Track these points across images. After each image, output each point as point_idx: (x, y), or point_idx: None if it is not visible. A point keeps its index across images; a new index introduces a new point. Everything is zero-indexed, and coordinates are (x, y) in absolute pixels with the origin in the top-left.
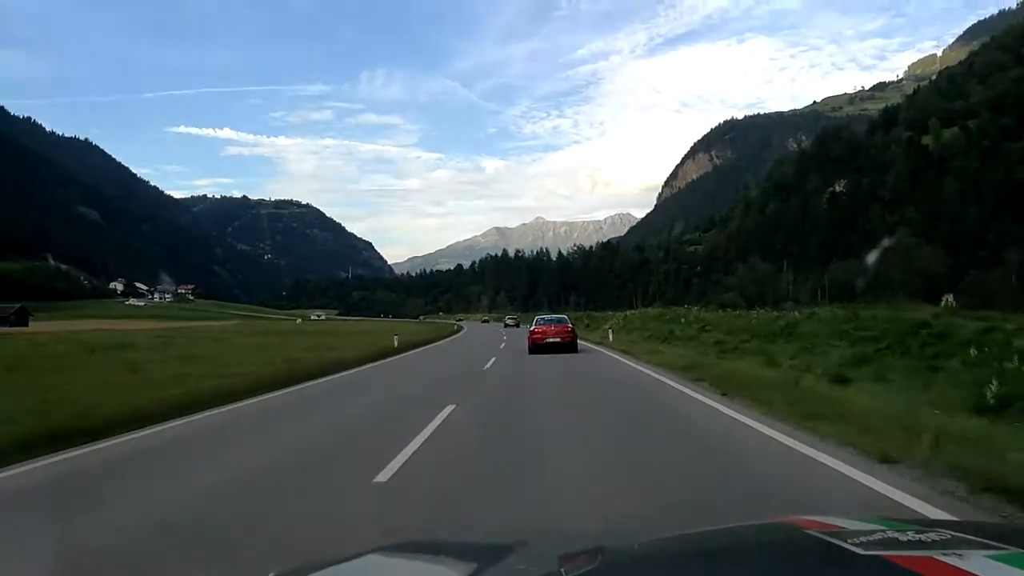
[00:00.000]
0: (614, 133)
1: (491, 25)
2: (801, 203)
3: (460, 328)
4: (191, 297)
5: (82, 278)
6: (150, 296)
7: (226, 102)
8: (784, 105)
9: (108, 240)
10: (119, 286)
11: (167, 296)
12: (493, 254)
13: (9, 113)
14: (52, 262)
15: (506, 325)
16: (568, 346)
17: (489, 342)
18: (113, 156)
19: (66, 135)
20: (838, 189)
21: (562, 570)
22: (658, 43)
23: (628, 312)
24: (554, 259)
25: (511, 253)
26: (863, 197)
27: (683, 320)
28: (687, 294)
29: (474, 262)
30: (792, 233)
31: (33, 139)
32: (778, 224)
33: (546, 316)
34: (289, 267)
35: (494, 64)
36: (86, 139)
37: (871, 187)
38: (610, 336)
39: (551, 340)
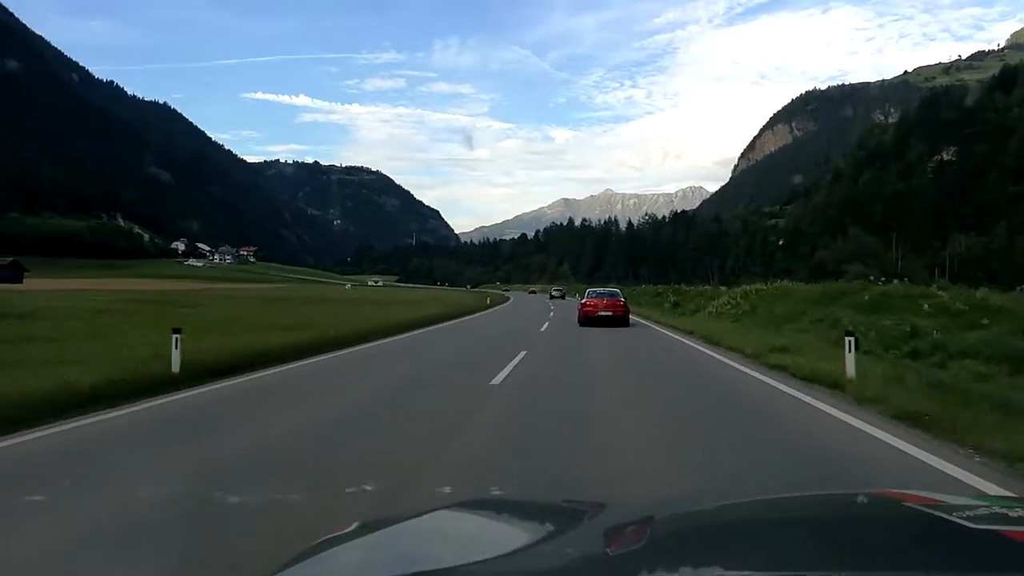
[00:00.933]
0: (688, 104)
1: None
2: (902, 172)
3: (505, 299)
4: (252, 259)
5: (145, 237)
6: (211, 257)
7: (302, 69)
8: (869, 77)
9: (178, 201)
10: (181, 246)
11: (227, 258)
12: (560, 210)
13: (93, 77)
14: (122, 221)
15: (552, 296)
16: (620, 320)
17: (524, 324)
18: (190, 120)
19: (146, 99)
20: (946, 157)
21: (614, 541)
22: (738, 12)
23: (749, 287)
24: (623, 229)
25: (578, 224)
26: (978, 166)
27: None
28: (769, 269)
29: (538, 231)
30: (892, 205)
31: (114, 102)
32: (875, 195)
33: (599, 289)
34: (357, 233)
35: (567, 33)
36: (165, 103)
37: (987, 155)
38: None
39: (603, 313)
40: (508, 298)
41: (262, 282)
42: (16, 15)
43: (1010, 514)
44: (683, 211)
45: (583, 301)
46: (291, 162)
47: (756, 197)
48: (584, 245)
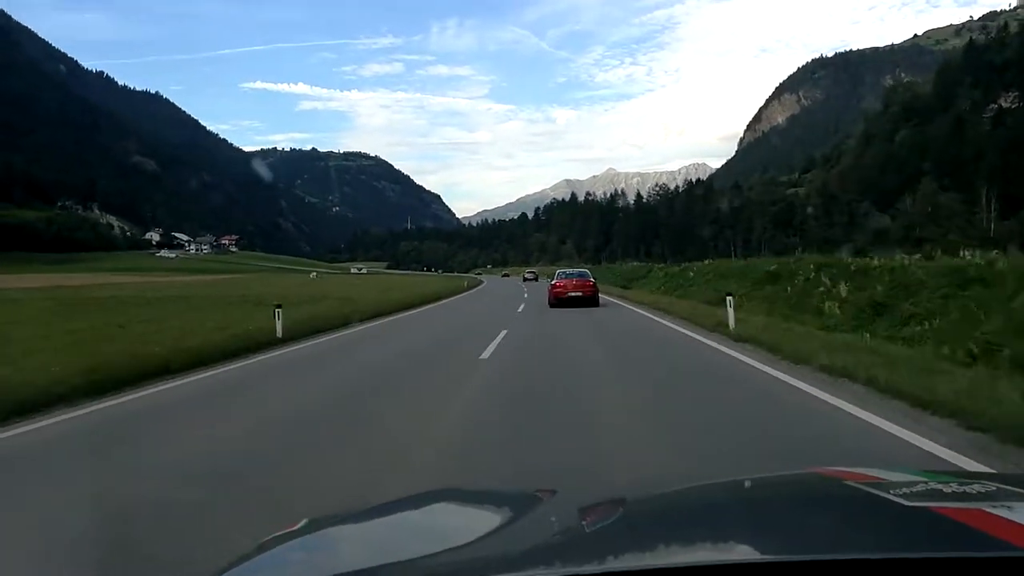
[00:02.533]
0: (690, 80)
1: None
2: (952, 125)
3: (473, 284)
4: (234, 248)
5: (116, 228)
6: (187, 247)
7: (300, 56)
8: (874, 44)
9: (163, 191)
10: (155, 236)
11: (204, 247)
12: (562, 190)
13: (82, 68)
14: (98, 212)
15: (525, 279)
16: (590, 300)
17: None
18: (183, 109)
19: (138, 89)
20: (1006, 104)
21: (584, 523)
22: None
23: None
24: (631, 203)
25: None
26: None
27: None
28: (804, 240)
29: (538, 208)
30: (944, 161)
31: (100, 93)
32: (920, 152)
33: (567, 270)
34: (357, 219)
35: (566, 11)
36: (156, 92)
37: None
38: None
39: (572, 294)
40: (481, 282)
41: (219, 272)
42: (3, 8)
43: (944, 490)
44: (698, 180)
45: (552, 283)
46: (288, 149)
47: (767, 168)
48: (588, 222)
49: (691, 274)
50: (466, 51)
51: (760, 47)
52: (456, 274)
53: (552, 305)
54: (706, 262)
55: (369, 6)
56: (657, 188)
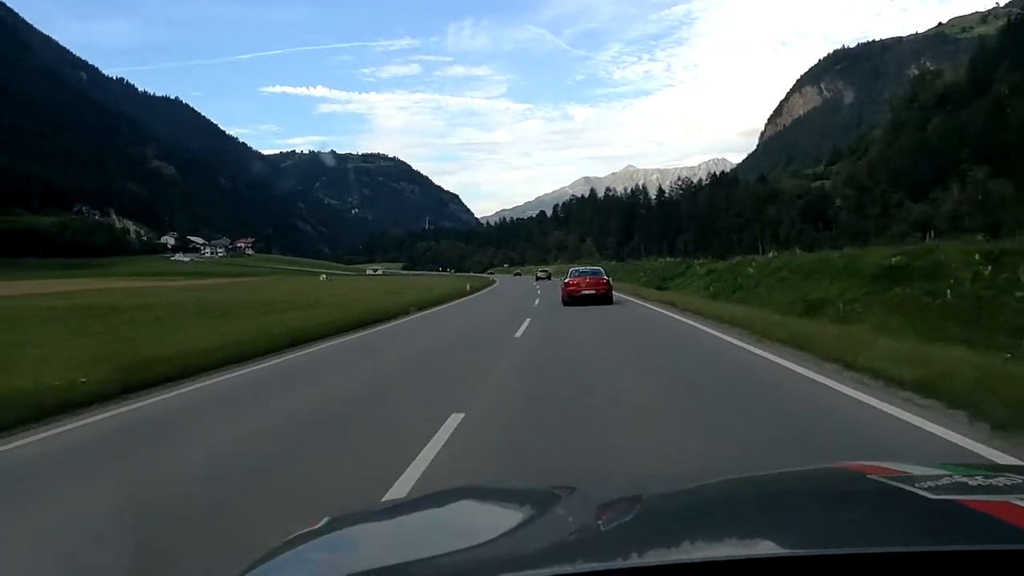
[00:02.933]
0: (708, 75)
1: None
2: (991, 110)
3: (482, 286)
4: (249, 251)
5: (131, 232)
6: (202, 251)
7: (319, 59)
8: (897, 34)
9: (180, 194)
10: (171, 240)
11: (220, 251)
12: (581, 188)
13: (102, 74)
14: (115, 217)
15: (538, 278)
16: (603, 297)
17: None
18: (202, 113)
19: (158, 95)
20: None
21: (602, 519)
22: None
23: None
24: (652, 198)
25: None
26: None
27: None
28: (839, 233)
29: (557, 205)
30: (983, 147)
31: (120, 98)
32: (956, 139)
33: (581, 268)
34: (376, 221)
35: (582, 8)
36: (176, 98)
37: None
38: None
39: (586, 292)
40: (493, 282)
41: (231, 276)
42: (23, 16)
43: (969, 483)
44: (722, 172)
45: (566, 280)
46: (307, 152)
47: (791, 161)
48: (609, 219)
49: (750, 271)
50: (483, 51)
51: (779, 40)
52: (471, 274)
53: (566, 303)
54: (771, 255)
55: (386, 8)
56: (680, 182)
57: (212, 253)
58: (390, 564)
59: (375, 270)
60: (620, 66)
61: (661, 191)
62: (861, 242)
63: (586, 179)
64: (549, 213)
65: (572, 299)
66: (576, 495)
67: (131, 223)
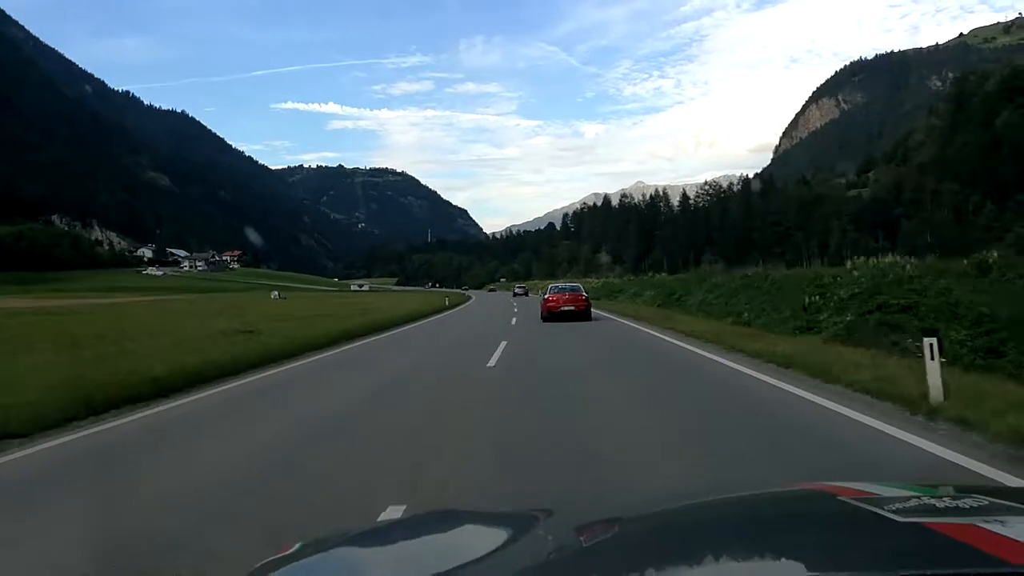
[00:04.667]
0: (719, 92)
1: None
2: None
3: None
4: (236, 265)
5: (106, 244)
6: (181, 264)
7: (331, 76)
8: (891, 59)
9: (174, 206)
10: (148, 253)
11: (200, 264)
12: (591, 204)
13: (108, 87)
14: (97, 228)
15: (515, 294)
16: (582, 314)
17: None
18: (208, 127)
19: (163, 108)
20: None
21: (581, 539)
22: None
23: None
24: (674, 205)
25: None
26: None
27: None
28: (893, 245)
29: (566, 214)
30: None
31: (122, 111)
32: None
33: (560, 284)
34: (383, 235)
35: (593, 26)
36: (183, 111)
37: None
38: None
39: (565, 308)
40: (469, 297)
41: (194, 291)
42: (31, 30)
43: (937, 504)
44: (755, 175)
45: (546, 297)
46: (315, 167)
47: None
48: (626, 229)
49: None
50: (494, 68)
51: (790, 57)
52: (453, 290)
53: (545, 319)
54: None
55: (398, 25)
56: (707, 187)
57: (191, 267)
58: None
59: (360, 285)
60: (631, 83)
61: (686, 197)
62: (943, 252)
63: (595, 195)
64: (559, 226)
65: (552, 315)
66: (553, 518)
67: (114, 235)
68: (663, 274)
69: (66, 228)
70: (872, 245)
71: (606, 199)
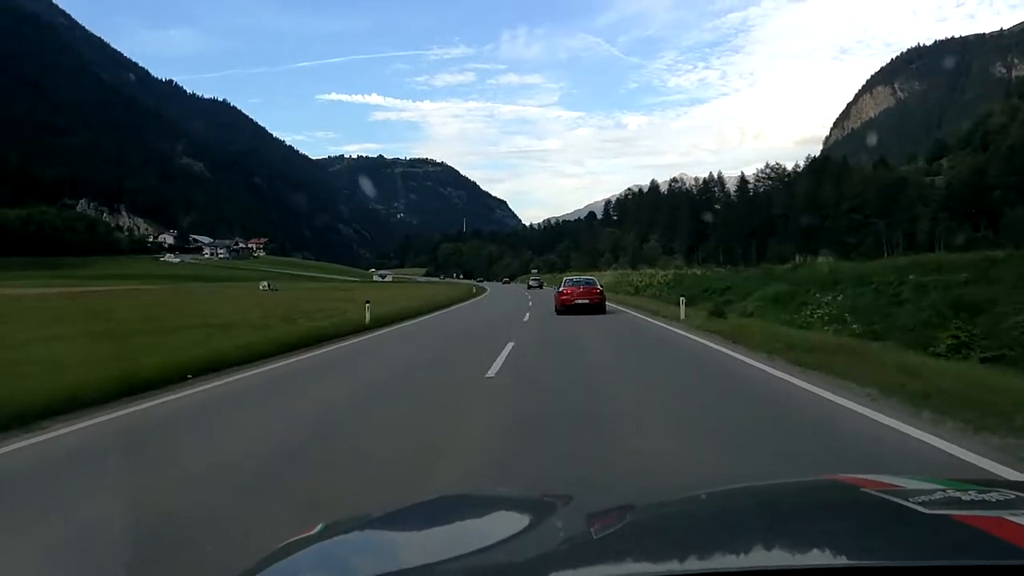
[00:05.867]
0: (765, 83)
1: None
2: None
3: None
4: (261, 252)
5: (132, 229)
6: (204, 251)
7: (375, 67)
8: (951, 46)
9: (206, 193)
10: (169, 239)
11: (221, 251)
12: (638, 188)
13: (152, 76)
14: (125, 214)
15: (529, 287)
16: (596, 307)
17: None
18: (249, 115)
19: (205, 97)
20: None
21: (594, 527)
22: None
23: None
24: (730, 190)
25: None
26: None
27: None
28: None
29: (608, 201)
30: None
31: (164, 99)
32: None
33: (574, 277)
34: (421, 225)
35: (637, 16)
36: (224, 100)
37: None
38: None
39: (579, 301)
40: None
41: (203, 279)
42: (77, 19)
43: (963, 498)
44: (826, 157)
45: (560, 290)
46: (355, 157)
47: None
48: (676, 216)
49: None
50: (536, 59)
51: (840, 48)
52: (463, 282)
53: (559, 312)
54: None
55: (442, 16)
56: (768, 170)
57: (212, 254)
58: (384, 572)
59: (383, 276)
60: (675, 74)
61: (744, 181)
62: None
63: (637, 187)
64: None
65: (565, 307)
66: (569, 503)
67: (142, 220)
68: (765, 265)
69: (92, 213)
70: (972, 235)
71: (653, 183)
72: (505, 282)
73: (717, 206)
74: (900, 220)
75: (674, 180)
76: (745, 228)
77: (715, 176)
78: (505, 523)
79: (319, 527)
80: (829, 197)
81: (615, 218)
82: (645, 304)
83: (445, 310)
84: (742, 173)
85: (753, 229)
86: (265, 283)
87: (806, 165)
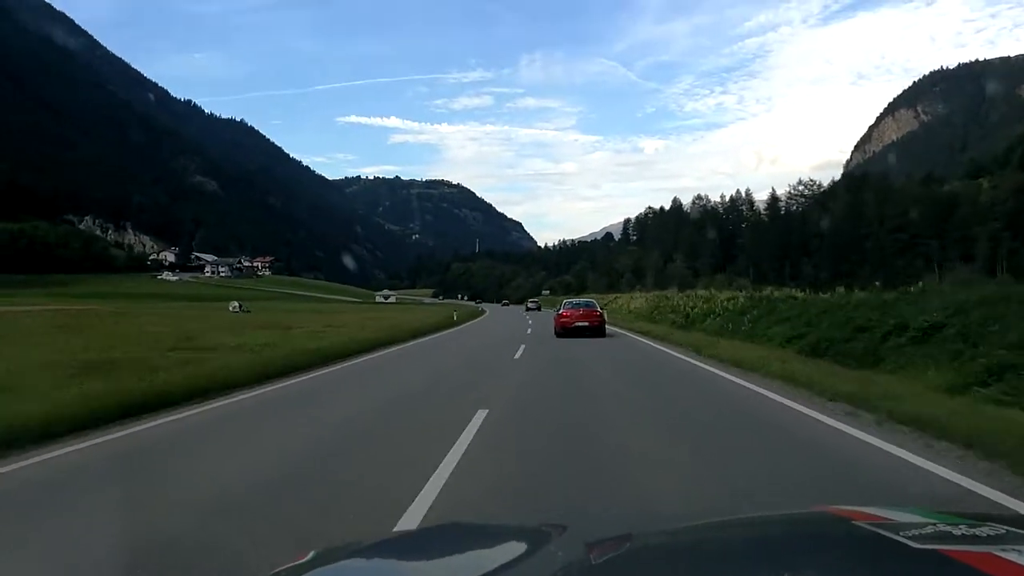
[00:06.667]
0: (782, 108)
1: (652, 1)
2: None
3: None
4: (264, 272)
5: (136, 247)
6: (204, 270)
7: (394, 91)
8: (975, 69)
9: (217, 211)
10: (169, 256)
11: (222, 270)
12: (659, 207)
13: (170, 95)
14: (131, 232)
15: (527, 308)
16: (596, 330)
17: None
18: (266, 136)
19: (223, 117)
20: None
21: (591, 556)
22: (834, 10)
23: None
24: (759, 208)
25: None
26: None
27: None
28: None
29: (627, 220)
30: None
31: (181, 118)
32: None
33: (574, 300)
34: (436, 247)
35: (655, 41)
36: (241, 120)
37: None
38: None
39: (579, 324)
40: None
41: (191, 299)
42: (97, 39)
43: (953, 532)
44: (864, 174)
45: (559, 312)
46: (372, 178)
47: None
48: (702, 235)
49: None
50: (554, 83)
51: (857, 73)
52: (463, 302)
53: (558, 335)
54: None
55: (461, 40)
56: (801, 186)
57: (214, 272)
58: None
59: (386, 297)
60: (692, 98)
61: (775, 199)
62: None
63: (659, 206)
64: (617, 239)
65: (565, 330)
66: (565, 533)
67: (148, 238)
68: (841, 290)
69: (97, 230)
70: None
71: (676, 202)
72: (504, 304)
73: (744, 224)
74: (952, 240)
75: (698, 198)
76: (777, 248)
77: (742, 194)
78: (502, 550)
79: (311, 555)
80: (871, 215)
81: (634, 238)
82: (748, 356)
83: (412, 342)
84: (772, 190)
85: (785, 250)
86: (235, 303)
87: (843, 181)
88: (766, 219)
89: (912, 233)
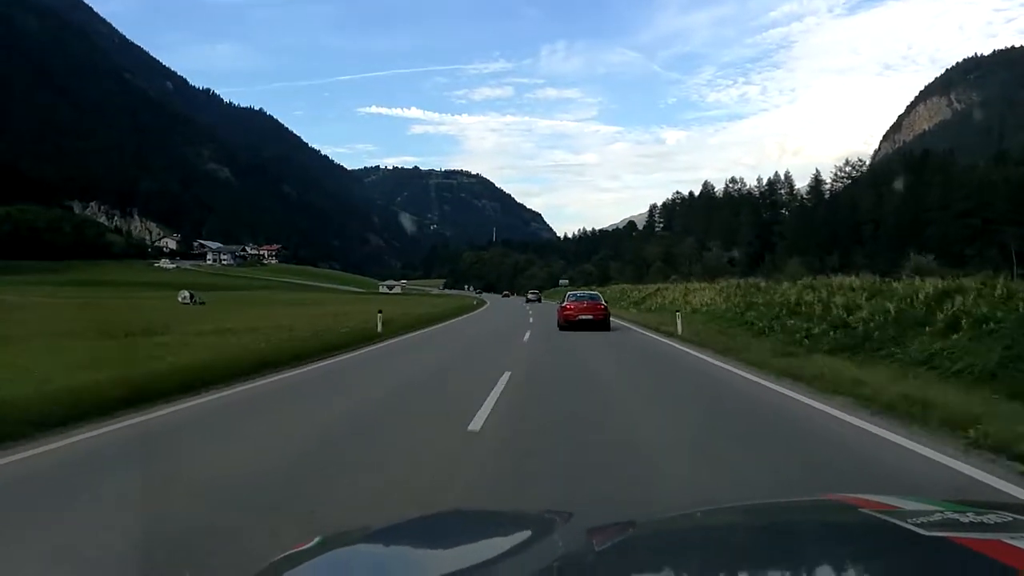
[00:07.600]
0: (806, 99)
1: None
2: None
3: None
4: (270, 260)
5: (124, 231)
6: (207, 258)
7: (415, 82)
8: (1011, 55)
9: (230, 199)
10: (171, 243)
11: (225, 258)
12: (687, 191)
13: (189, 84)
14: (137, 218)
15: (528, 300)
16: (600, 323)
17: None
18: (284, 124)
19: (241, 105)
20: None
21: (593, 543)
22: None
23: None
24: (800, 191)
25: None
26: None
27: None
28: None
29: (653, 205)
30: None
31: (199, 107)
32: None
33: (577, 292)
34: (454, 237)
35: (677, 32)
36: (260, 109)
37: None
38: None
39: (583, 317)
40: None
41: (179, 287)
42: (117, 27)
43: (961, 519)
44: (925, 151)
45: (563, 304)
46: (391, 168)
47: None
48: (737, 220)
49: None
50: (575, 74)
51: (883, 64)
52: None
53: (562, 328)
54: None
55: (482, 31)
56: (849, 168)
57: (215, 260)
58: None
59: (391, 287)
60: (714, 89)
61: (818, 180)
62: None
63: (688, 191)
64: (640, 227)
65: (568, 323)
66: (568, 520)
67: (154, 224)
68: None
69: (102, 217)
70: None
71: (707, 185)
72: (505, 295)
73: (784, 211)
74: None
75: (732, 180)
76: (823, 234)
77: (781, 176)
78: (506, 538)
79: (316, 540)
80: (933, 199)
81: (660, 225)
82: None
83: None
84: (816, 171)
85: (833, 237)
86: (185, 293)
87: (900, 162)
88: (809, 203)
89: (984, 218)
